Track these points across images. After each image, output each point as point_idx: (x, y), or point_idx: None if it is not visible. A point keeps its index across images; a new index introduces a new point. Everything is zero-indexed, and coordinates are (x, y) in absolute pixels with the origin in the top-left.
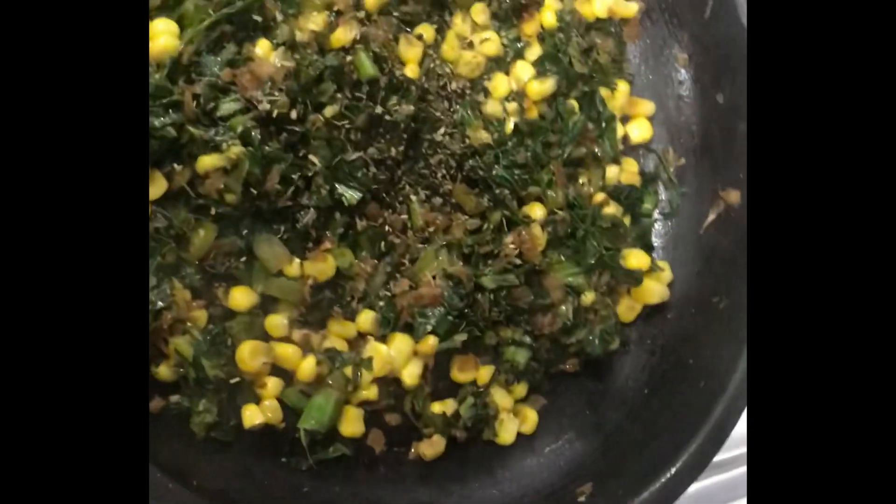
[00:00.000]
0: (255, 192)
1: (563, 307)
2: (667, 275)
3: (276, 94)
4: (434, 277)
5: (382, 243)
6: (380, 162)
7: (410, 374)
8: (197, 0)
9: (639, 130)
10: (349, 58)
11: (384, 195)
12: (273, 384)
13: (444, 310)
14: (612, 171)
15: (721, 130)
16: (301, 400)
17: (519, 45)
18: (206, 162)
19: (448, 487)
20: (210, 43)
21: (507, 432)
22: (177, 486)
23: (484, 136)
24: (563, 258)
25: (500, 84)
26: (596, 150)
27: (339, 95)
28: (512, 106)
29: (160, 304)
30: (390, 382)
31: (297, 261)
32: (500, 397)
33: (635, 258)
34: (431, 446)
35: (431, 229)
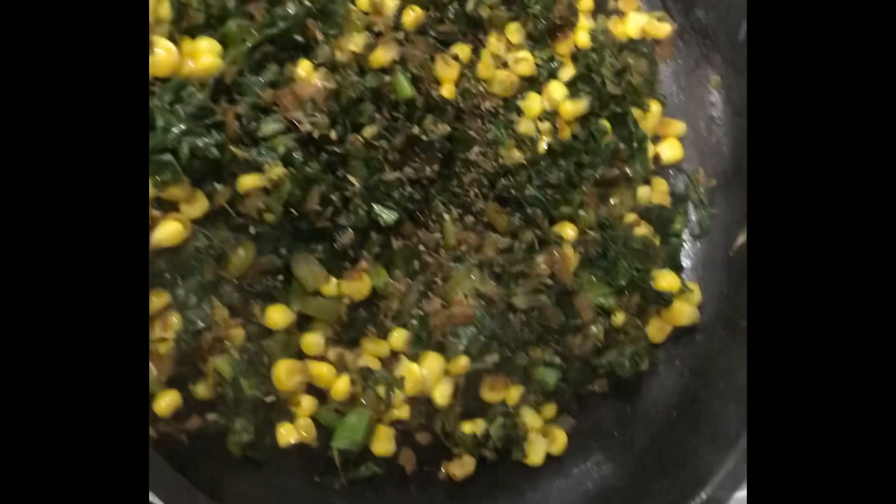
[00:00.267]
0: (294, 212)
1: (594, 328)
2: (696, 296)
3: (318, 114)
4: (466, 297)
5: (416, 262)
6: (415, 181)
7: (442, 394)
8: (240, 20)
9: (670, 151)
10: (387, 78)
11: (418, 214)
12: (308, 403)
13: (475, 329)
14: (643, 192)
15: None
16: (335, 419)
17: (553, 65)
18: (247, 182)
19: None
20: (253, 63)
21: (536, 453)
22: None
23: (517, 156)
24: (594, 278)
25: (533, 103)
26: (627, 170)
27: (377, 116)
28: (545, 125)
29: (200, 324)
30: (421, 401)
31: (334, 280)
32: (530, 417)
33: (665, 279)
34: (461, 466)
35: (464, 248)
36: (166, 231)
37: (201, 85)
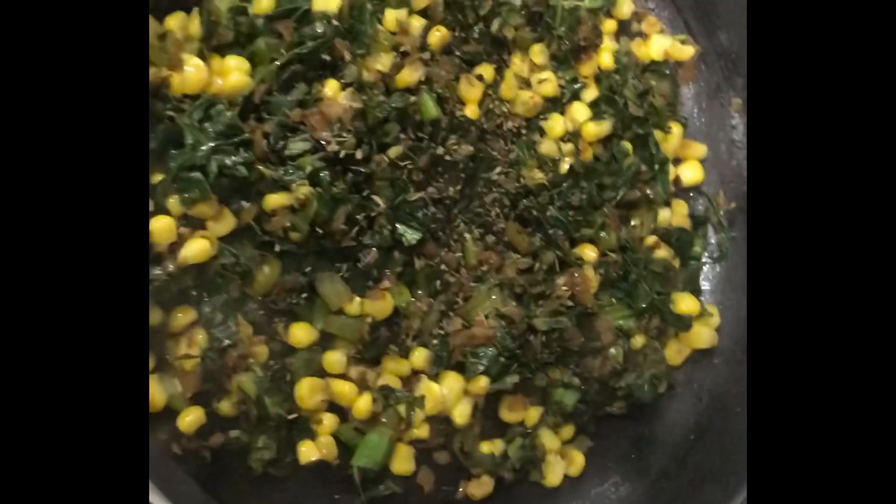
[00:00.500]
0: (320, 230)
1: (614, 350)
2: (715, 320)
3: (344, 134)
4: (487, 317)
5: (438, 281)
6: (438, 201)
7: (461, 414)
8: (269, 38)
9: (690, 173)
10: (413, 98)
11: (440, 233)
12: (329, 420)
13: (496, 350)
14: (663, 214)
15: None
16: (355, 437)
17: (576, 87)
18: (274, 200)
19: None
20: (281, 82)
21: (553, 474)
22: None
23: (539, 177)
24: (614, 301)
25: (556, 124)
26: (649, 192)
27: (402, 136)
28: (567, 146)
29: (226, 341)
30: (440, 421)
31: (357, 299)
32: (548, 439)
33: (685, 303)
34: (480, 486)
35: (485, 268)
36: (194, 248)
37: (230, 103)
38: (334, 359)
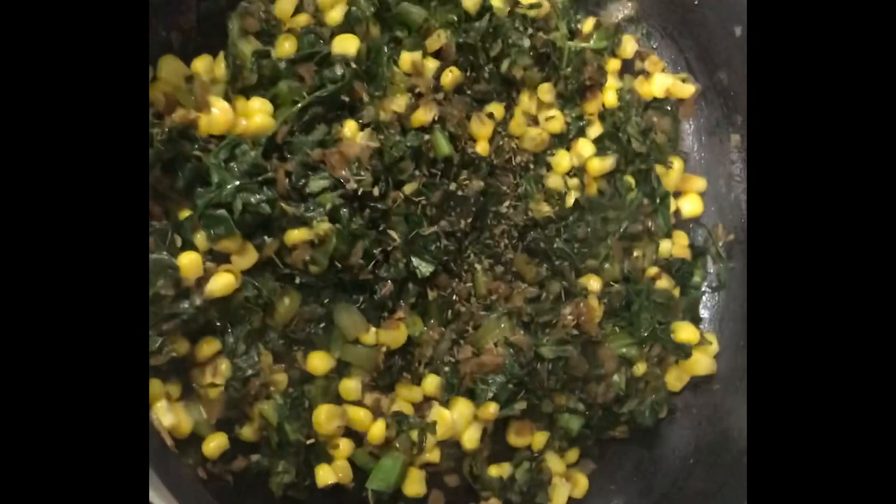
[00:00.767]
0: (339, 264)
1: (617, 377)
2: (714, 348)
3: (362, 173)
4: (496, 345)
5: (449, 311)
6: (450, 234)
7: (471, 439)
8: (291, 81)
9: (690, 205)
10: (427, 137)
11: (452, 264)
12: (345, 445)
13: (504, 378)
14: (664, 245)
15: None
16: (370, 461)
17: (581, 123)
18: (295, 235)
19: None
20: (302, 123)
21: (559, 496)
22: None
23: (546, 210)
24: (617, 329)
25: (562, 160)
26: (650, 225)
27: (417, 173)
28: (573, 181)
29: (249, 371)
30: (451, 445)
31: (373, 329)
32: (554, 462)
33: (685, 332)
34: None
35: (494, 297)
36: (219, 283)
37: (254, 143)
38: (350, 386)
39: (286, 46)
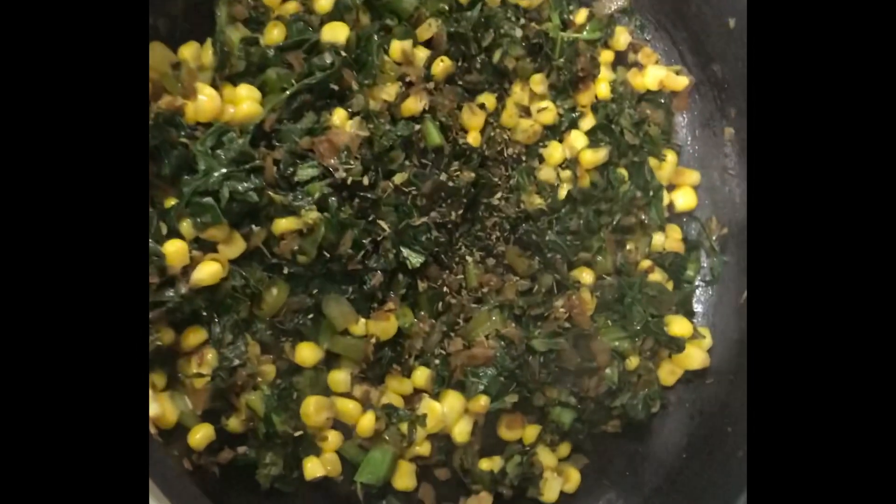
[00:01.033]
0: (327, 254)
1: (609, 370)
2: (707, 342)
3: (352, 162)
4: (487, 338)
5: (440, 303)
6: (440, 225)
7: (461, 432)
8: (279, 69)
9: (684, 199)
10: (417, 126)
11: (443, 256)
12: (334, 437)
13: (495, 370)
14: (657, 239)
15: None
16: (359, 454)
17: (574, 115)
18: (283, 225)
19: None
20: (291, 111)
21: (551, 491)
22: None
23: (538, 202)
24: (609, 323)
25: (554, 152)
26: (643, 217)
27: (407, 163)
28: (565, 173)
29: (236, 361)
30: (441, 438)
31: (362, 320)
32: (545, 456)
33: (678, 325)
34: (479, 502)
35: (485, 290)
36: (206, 271)
37: (242, 131)
38: (339, 378)
39: (275, 34)
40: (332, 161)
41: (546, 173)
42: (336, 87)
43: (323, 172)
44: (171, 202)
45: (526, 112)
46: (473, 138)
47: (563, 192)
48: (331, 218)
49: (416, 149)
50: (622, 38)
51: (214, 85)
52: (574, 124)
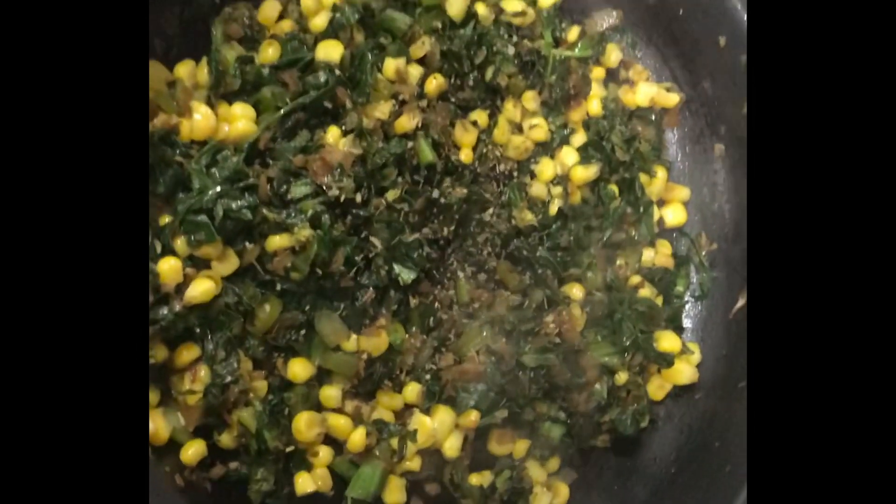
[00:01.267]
0: (320, 271)
1: (598, 386)
2: (696, 357)
3: (345, 179)
4: (478, 353)
5: (431, 319)
6: (432, 241)
7: (451, 447)
8: (274, 87)
9: (673, 214)
10: (410, 144)
11: (434, 272)
12: (325, 453)
13: (486, 386)
14: (647, 254)
15: None
16: (350, 469)
17: (565, 132)
18: (276, 242)
19: None
20: (285, 129)
21: None
22: None
23: (529, 218)
24: (599, 338)
25: (546, 168)
26: (633, 233)
27: (400, 180)
28: (557, 189)
29: (228, 378)
30: (431, 453)
31: (354, 336)
32: (535, 471)
33: (667, 341)
34: None
35: (476, 305)
36: (199, 289)
37: (236, 149)
38: (331, 393)
39: (269, 52)
40: (326, 179)
41: (537, 189)
42: (330, 105)
43: (316, 190)
44: (165, 220)
45: (518, 128)
46: (466, 155)
47: (554, 208)
48: (323, 235)
49: (409, 166)
50: (614, 55)
51: (210, 103)
52: (565, 141)
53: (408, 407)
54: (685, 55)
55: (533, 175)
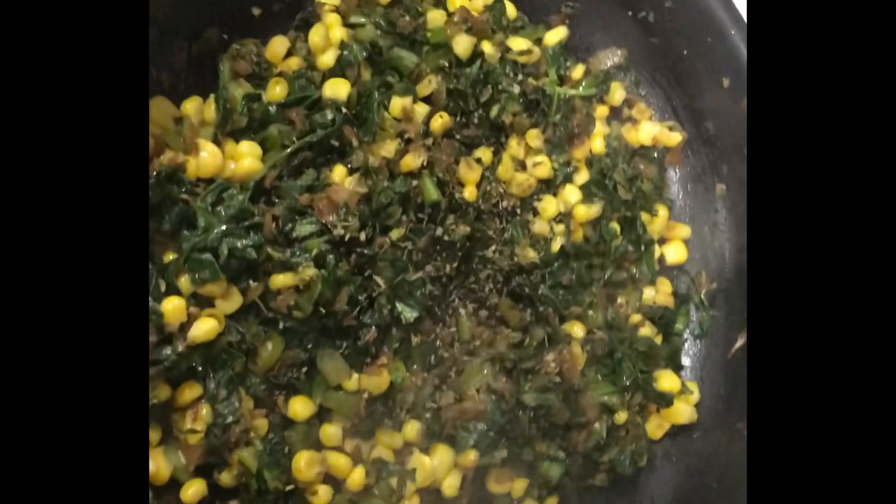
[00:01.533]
0: (323, 310)
1: (598, 425)
2: (695, 396)
3: (350, 218)
4: (478, 391)
5: (432, 356)
6: (435, 278)
7: (450, 486)
8: (280, 125)
9: (674, 252)
10: (415, 182)
11: (436, 309)
12: (324, 492)
13: (485, 426)
14: (648, 293)
15: None
16: None
17: (568, 170)
18: (280, 280)
19: None
20: (291, 168)
21: None
22: None
23: (531, 255)
24: (599, 377)
25: (549, 205)
26: (635, 272)
27: (404, 218)
28: (559, 227)
29: (230, 417)
30: (430, 492)
31: (355, 375)
32: None
33: (667, 380)
34: None
35: (477, 342)
36: (203, 328)
37: (242, 187)
38: (331, 432)
39: (277, 90)
40: (331, 218)
41: (540, 226)
42: (336, 144)
43: (321, 229)
44: (169, 257)
45: (521, 166)
46: (469, 192)
47: (556, 246)
48: (327, 275)
49: (413, 204)
50: (618, 93)
51: (216, 141)
52: (568, 179)
53: (407, 445)
54: (688, 95)
55: (536, 212)
